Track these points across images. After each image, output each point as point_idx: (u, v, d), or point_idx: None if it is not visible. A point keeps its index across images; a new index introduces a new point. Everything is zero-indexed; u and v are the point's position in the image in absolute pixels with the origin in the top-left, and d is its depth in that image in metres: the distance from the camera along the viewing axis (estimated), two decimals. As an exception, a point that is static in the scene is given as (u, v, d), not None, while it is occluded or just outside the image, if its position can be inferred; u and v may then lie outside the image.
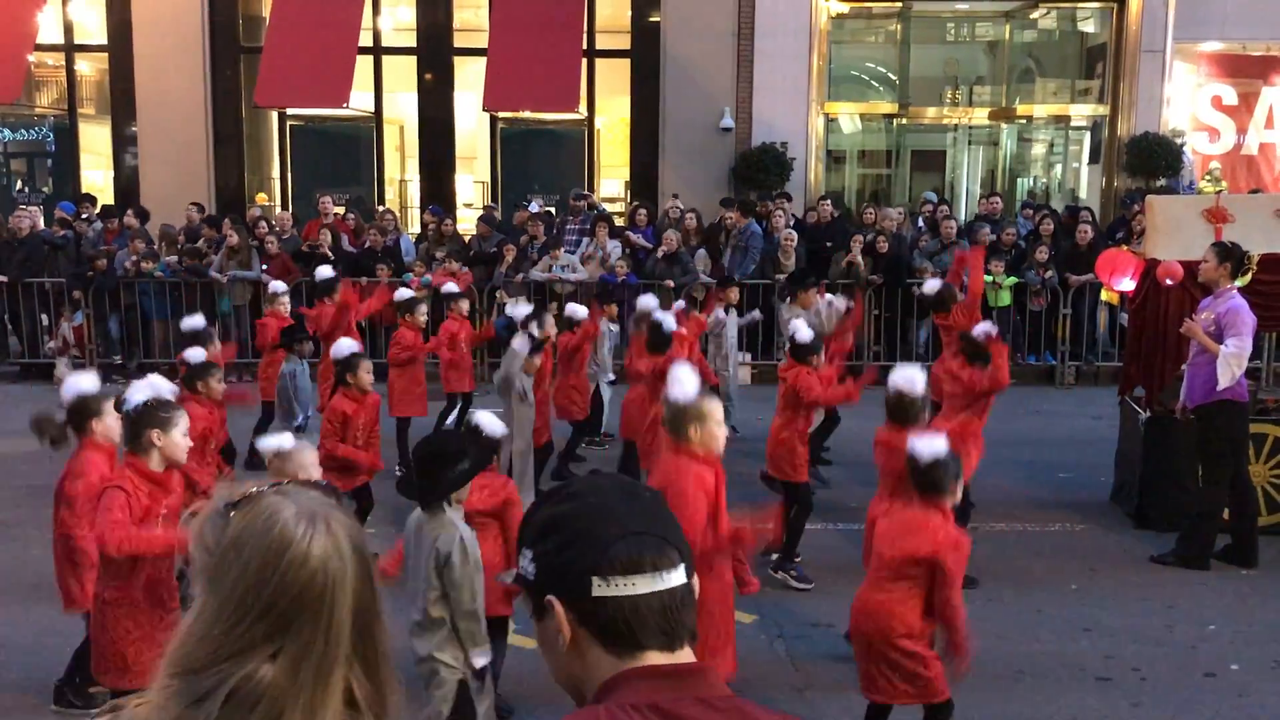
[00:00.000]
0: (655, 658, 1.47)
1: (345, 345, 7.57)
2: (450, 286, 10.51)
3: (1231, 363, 7.01)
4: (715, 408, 5.06)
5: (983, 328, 7.40)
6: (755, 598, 6.73)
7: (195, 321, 8.85)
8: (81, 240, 14.25)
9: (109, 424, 5.21)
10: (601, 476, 1.61)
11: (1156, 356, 8.20)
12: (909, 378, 5.84)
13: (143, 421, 4.78)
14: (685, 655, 1.51)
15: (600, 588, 1.45)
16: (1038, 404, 12.06)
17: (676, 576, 1.49)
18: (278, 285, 10.17)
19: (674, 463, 4.90)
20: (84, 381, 5.28)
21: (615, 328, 11.12)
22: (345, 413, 7.17)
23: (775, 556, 7.31)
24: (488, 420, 5.17)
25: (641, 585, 1.46)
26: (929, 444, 4.73)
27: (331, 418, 7.19)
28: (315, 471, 5.05)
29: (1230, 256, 7.19)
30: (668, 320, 8.33)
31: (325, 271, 10.25)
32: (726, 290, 10.83)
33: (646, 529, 1.49)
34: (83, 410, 5.21)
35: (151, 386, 4.94)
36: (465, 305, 10.23)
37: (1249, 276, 7.41)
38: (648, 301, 9.36)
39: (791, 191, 15.91)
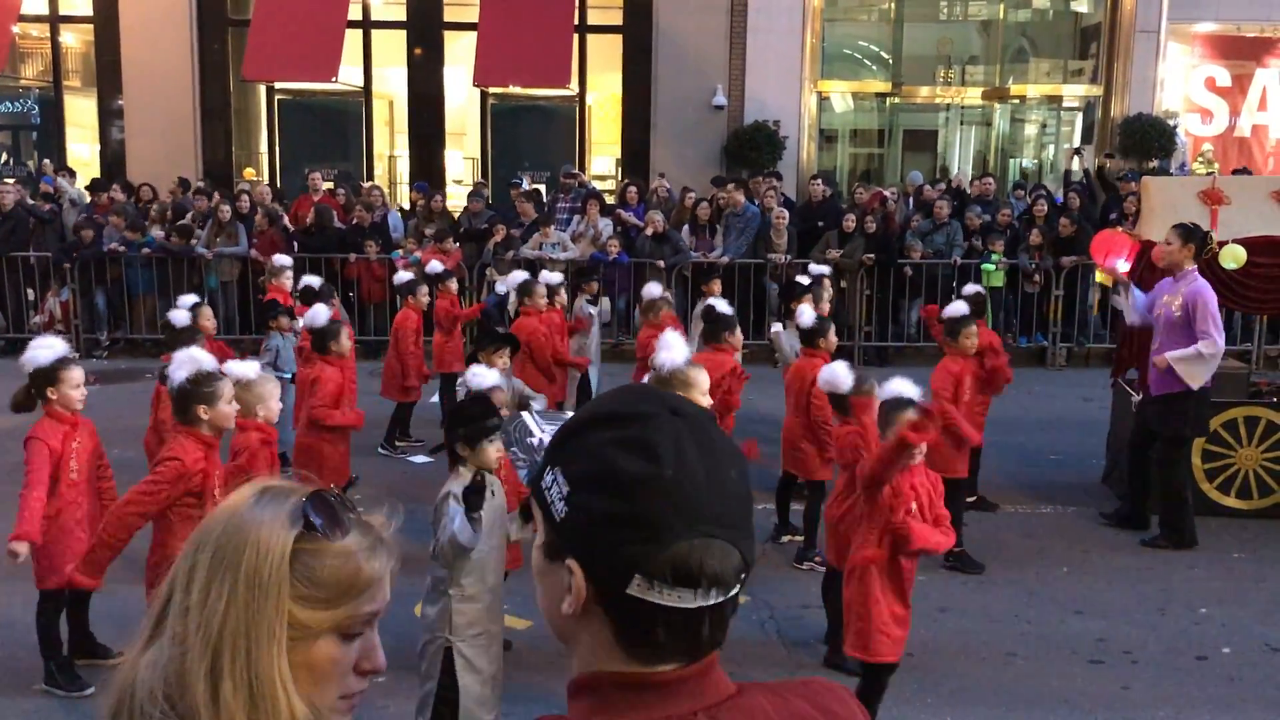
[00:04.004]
0: (664, 671, 1.22)
1: (322, 312, 7.36)
2: (435, 265, 10.42)
3: (1209, 363, 7.02)
4: (700, 374, 5.08)
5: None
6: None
7: (190, 297, 8.75)
8: (61, 200, 14.18)
9: (65, 393, 5.20)
10: (696, 431, 1.22)
11: (1149, 339, 8.15)
12: (827, 379, 5.78)
13: (189, 398, 4.81)
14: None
15: (639, 588, 1.17)
16: (1029, 385, 12.03)
17: (729, 591, 1.21)
18: (283, 260, 10.00)
19: None
20: (41, 352, 5.23)
21: (606, 305, 10.94)
22: (337, 381, 7.06)
23: (786, 539, 7.33)
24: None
25: (686, 600, 1.17)
26: (896, 387, 4.90)
27: (329, 389, 6.99)
28: (275, 405, 5.31)
29: (1193, 237, 7.24)
30: (721, 304, 7.93)
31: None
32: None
33: (717, 525, 1.18)
34: (41, 379, 5.19)
35: (192, 360, 4.89)
36: (454, 284, 10.18)
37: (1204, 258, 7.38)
38: (652, 289, 9.23)
39: (784, 170, 15.84)
